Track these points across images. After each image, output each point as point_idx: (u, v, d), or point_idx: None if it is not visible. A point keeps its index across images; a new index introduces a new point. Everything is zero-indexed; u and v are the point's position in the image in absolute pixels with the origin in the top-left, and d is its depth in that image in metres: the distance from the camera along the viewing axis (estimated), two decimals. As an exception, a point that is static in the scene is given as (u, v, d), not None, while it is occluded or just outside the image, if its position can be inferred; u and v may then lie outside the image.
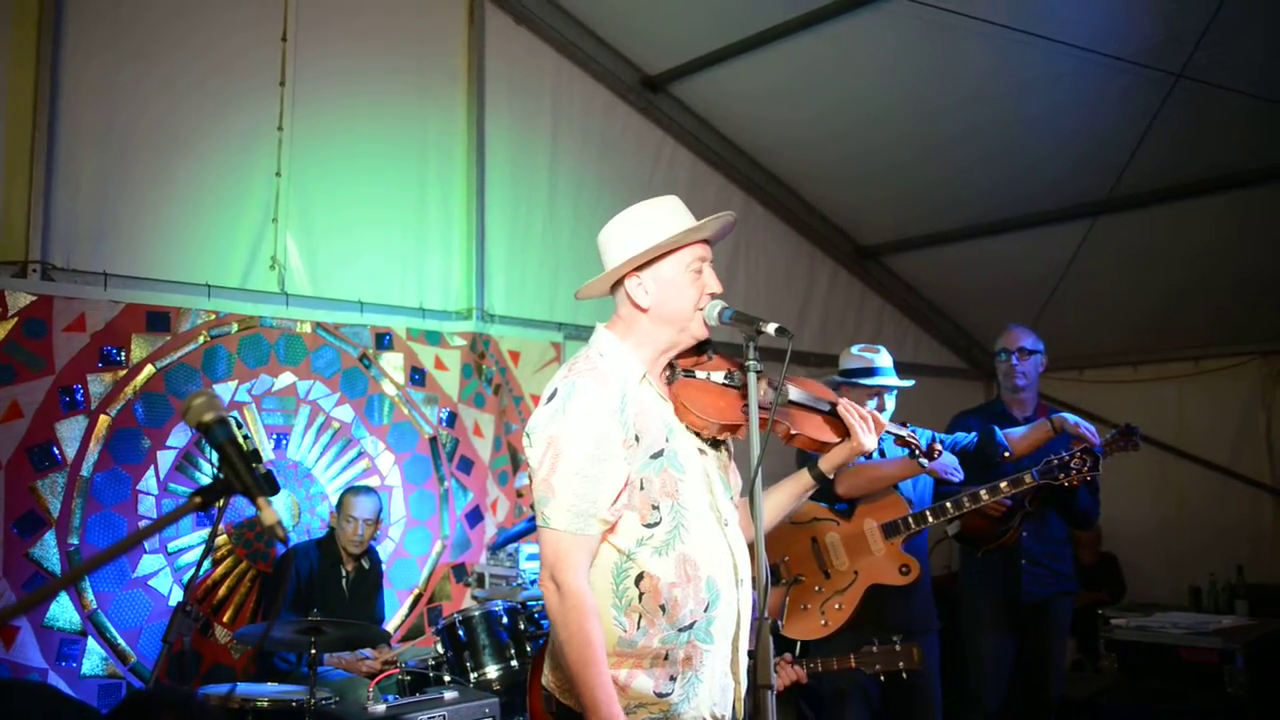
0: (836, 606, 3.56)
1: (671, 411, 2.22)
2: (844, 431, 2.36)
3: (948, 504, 3.51)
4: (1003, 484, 3.49)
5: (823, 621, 3.57)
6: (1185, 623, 4.24)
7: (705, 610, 2.13)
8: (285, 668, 4.12)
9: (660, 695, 2.09)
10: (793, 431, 2.31)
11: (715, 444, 2.31)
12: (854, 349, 3.88)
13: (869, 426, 2.33)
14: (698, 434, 2.24)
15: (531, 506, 5.00)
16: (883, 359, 3.82)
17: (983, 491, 3.49)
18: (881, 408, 3.77)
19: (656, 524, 2.12)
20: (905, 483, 3.71)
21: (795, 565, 3.66)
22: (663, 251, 2.19)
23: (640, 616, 2.09)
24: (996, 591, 4.07)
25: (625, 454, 2.09)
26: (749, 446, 2.15)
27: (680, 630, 2.11)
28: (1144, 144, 5.08)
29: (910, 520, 3.51)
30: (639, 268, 2.20)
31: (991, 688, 4.07)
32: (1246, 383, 6.43)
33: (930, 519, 3.50)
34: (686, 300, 2.21)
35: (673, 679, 2.10)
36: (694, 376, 2.28)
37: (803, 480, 2.42)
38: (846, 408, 2.35)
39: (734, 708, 2.21)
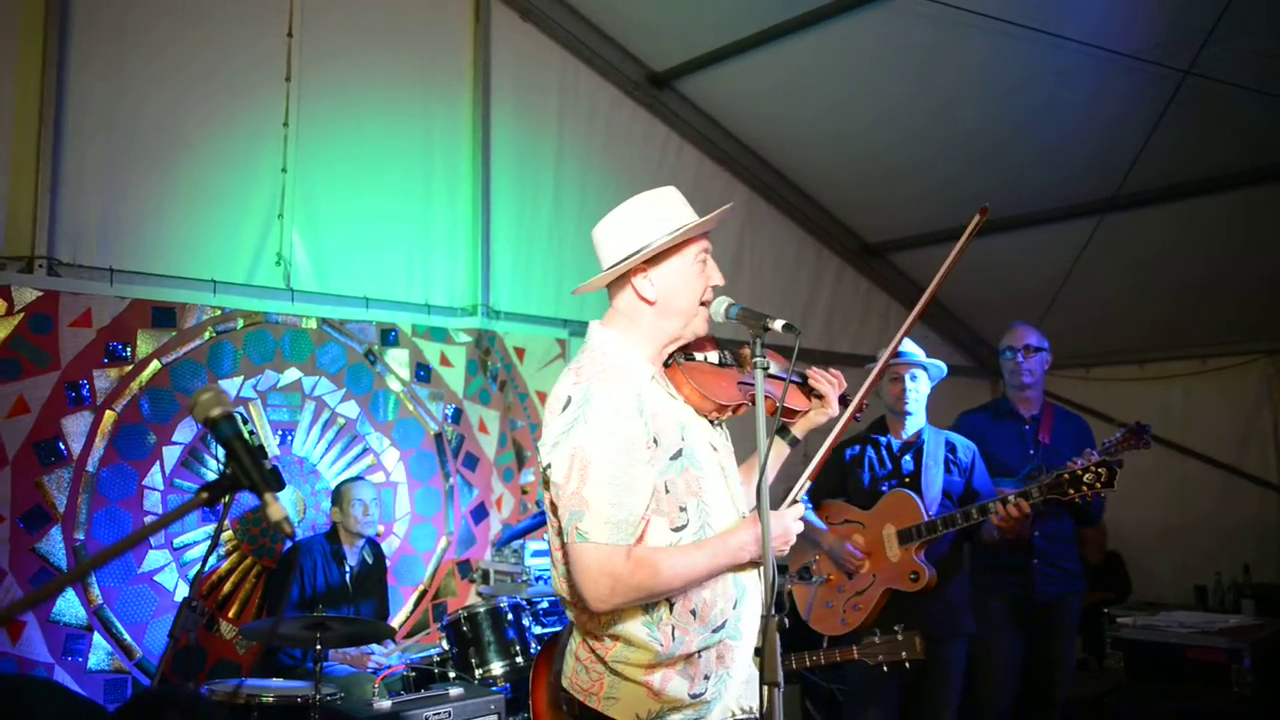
0: (855, 608, 3.62)
1: (682, 407, 2.19)
2: (809, 398, 2.44)
3: (957, 515, 3.51)
4: (1010, 496, 3.46)
5: (842, 620, 3.64)
6: (1191, 622, 4.22)
7: (734, 607, 2.14)
8: (290, 663, 4.12)
9: (694, 696, 2.09)
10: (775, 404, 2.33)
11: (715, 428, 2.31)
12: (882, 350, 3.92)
13: (835, 384, 2.39)
14: (705, 417, 2.24)
15: (538, 503, 5.04)
16: (905, 345, 3.84)
17: (991, 504, 3.47)
18: (903, 389, 3.77)
19: (684, 526, 2.10)
20: (934, 486, 3.69)
21: (824, 565, 3.73)
22: (671, 245, 2.17)
23: (673, 628, 2.07)
24: (1007, 591, 4.05)
25: (648, 457, 2.06)
26: (740, 423, 2.20)
27: (714, 631, 2.11)
28: (1151, 141, 5.06)
29: (922, 528, 3.52)
30: (645, 262, 2.17)
31: (1002, 688, 4.05)
32: (1254, 381, 6.40)
33: (941, 528, 3.50)
34: (693, 293, 2.19)
35: (706, 678, 2.10)
36: (693, 359, 2.31)
37: (780, 449, 2.44)
38: (816, 374, 2.40)
39: (759, 698, 2.21)
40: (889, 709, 3.68)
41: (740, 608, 2.15)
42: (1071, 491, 3.38)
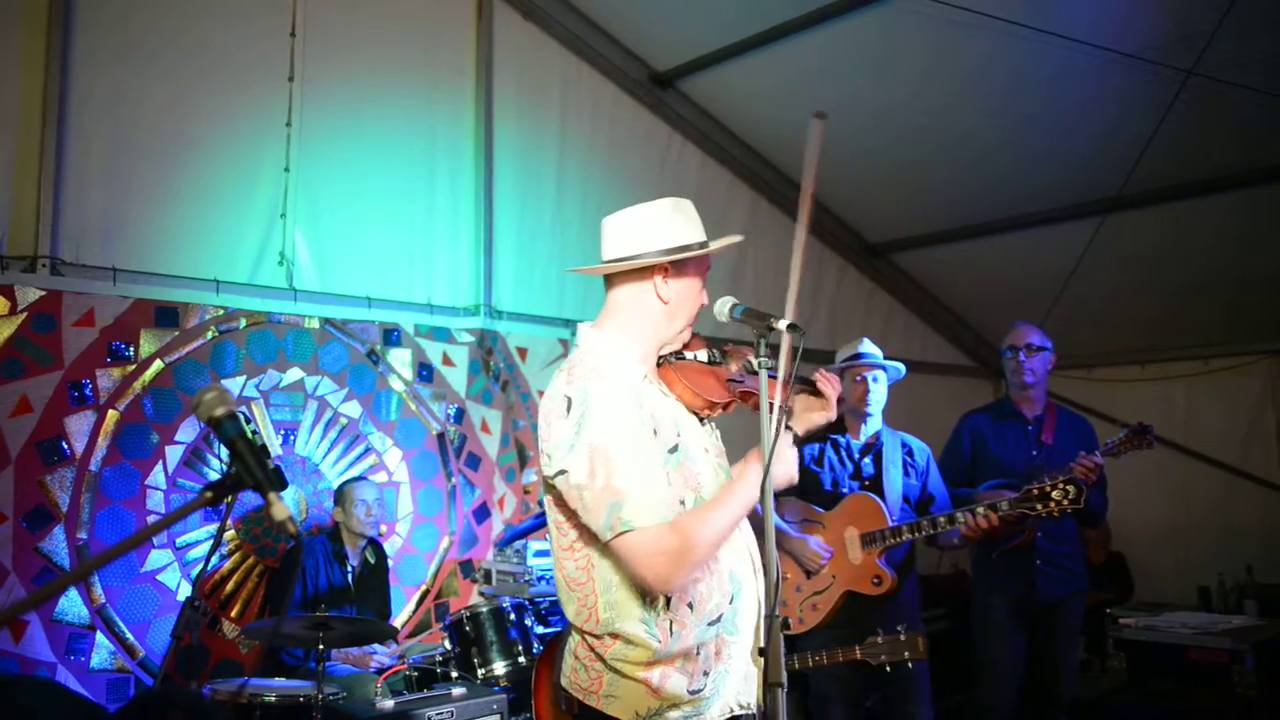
0: (813, 608, 3.62)
1: (674, 405, 2.22)
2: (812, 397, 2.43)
3: (924, 522, 3.52)
4: (979, 509, 3.47)
5: (799, 619, 3.64)
6: (1194, 623, 4.21)
7: (730, 602, 2.15)
8: (293, 663, 4.12)
9: (693, 693, 2.09)
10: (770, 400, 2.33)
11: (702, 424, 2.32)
12: (841, 350, 3.94)
13: (834, 386, 2.40)
14: (695, 414, 2.26)
15: (540, 503, 5.04)
16: (866, 346, 3.89)
17: (959, 514, 3.49)
18: (866, 390, 3.78)
19: None
20: (894, 489, 3.70)
21: (782, 563, 3.70)
22: (698, 256, 2.22)
23: (671, 623, 2.08)
24: (1010, 592, 4.05)
25: (654, 445, 2.09)
26: (732, 422, 2.24)
27: (710, 625, 2.12)
28: (1154, 141, 5.05)
29: (888, 533, 3.53)
30: (670, 264, 2.20)
31: (1005, 689, 4.05)
32: (1256, 382, 6.40)
33: (906, 534, 3.52)
34: (694, 306, 2.27)
35: (705, 674, 2.11)
36: (684, 358, 2.33)
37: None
38: (821, 376, 2.41)
39: (756, 695, 2.22)
40: (858, 708, 3.70)
41: (736, 603, 2.16)
42: (1039, 507, 3.40)
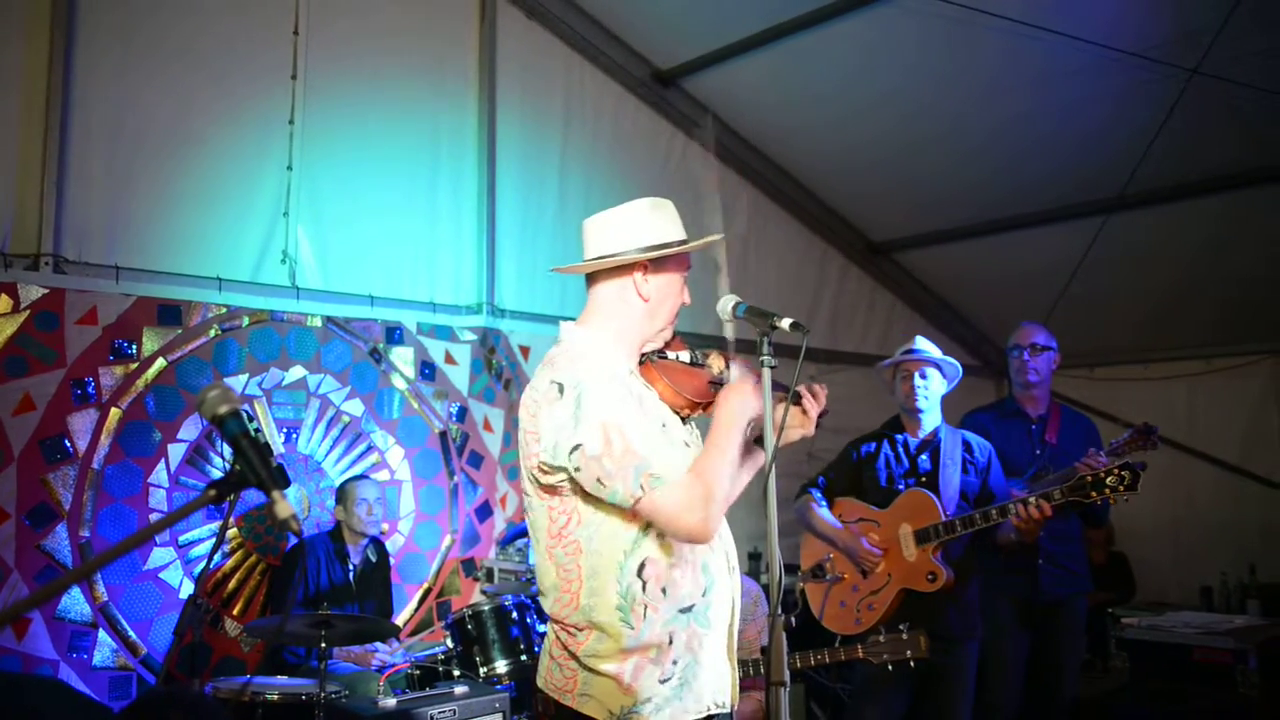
0: (870, 607, 3.60)
1: (657, 400, 2.23)
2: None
3: (976, 515, 3.48)
4: (1031, 499, 3.42)
5: (856, 619, 3.62)
6: (1197, 622, 4.20)
7: (703, 595, 2.16)
8: (295, 661, 4.13)
9: (663, 681, 2.09)
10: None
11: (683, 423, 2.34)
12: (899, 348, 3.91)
13: (816, 402, 2.37)
14: (677, 413, 2.27)
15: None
16: (919, 343, 3.86)
17: (1010, 505, 3.45)
18: (913, 387, 3.76)
19: None
20: (951, 485, 3.68)
21: (838, 563, 3.71)
22: (676, 253, 2.24)
23: (645, 608, 2.09)
24: (1013, 593, 4.03)
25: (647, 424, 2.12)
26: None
27: (681, 611, 2.12)
28: (1158, 140, 5.05)
29: (940, 528, 3.50)
30: (650, 261, 2.23)
31: (1007, 689, 4.04)
32: (1258, 381, 6.38)
33: (960, 528, 3.47)
34: (674, 304, 2.30)
35: (675, 663, 2.11)
36: (666, 358, 2.35)
37: (757, 457, 2.38)
38: (805, 390, 2.38)
39: (730, 694, 2.23)
40: (891, 710, 3.67)
41: (709, 596, 2.17)
42: (1094, 494, 3.31)
